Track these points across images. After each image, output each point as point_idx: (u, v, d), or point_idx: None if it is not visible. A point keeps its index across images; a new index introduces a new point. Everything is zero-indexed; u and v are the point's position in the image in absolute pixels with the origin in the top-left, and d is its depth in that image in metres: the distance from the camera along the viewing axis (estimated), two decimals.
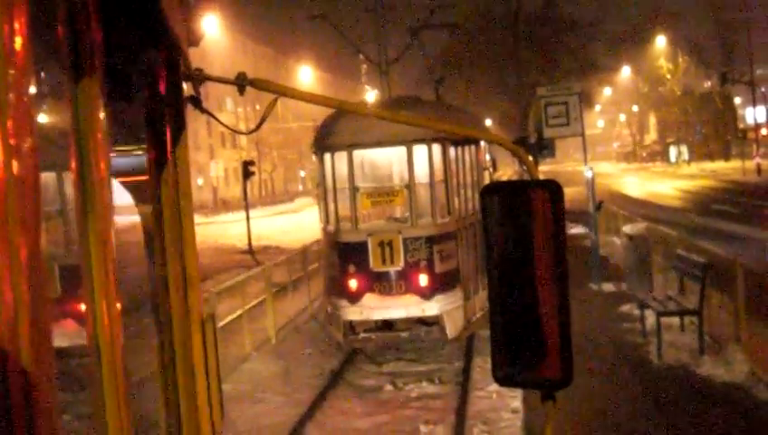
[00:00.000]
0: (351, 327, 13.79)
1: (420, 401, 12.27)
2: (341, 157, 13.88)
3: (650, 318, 13.56)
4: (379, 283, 13.36)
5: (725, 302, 12.59)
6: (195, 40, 2.54)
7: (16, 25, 1.04)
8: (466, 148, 15.03)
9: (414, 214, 13.63)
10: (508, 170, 61.83)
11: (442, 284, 13.42)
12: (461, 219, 14.28)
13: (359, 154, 14.11)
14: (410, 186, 13.60)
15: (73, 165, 1.42)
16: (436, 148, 13.76)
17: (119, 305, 1.55)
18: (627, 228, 18.81)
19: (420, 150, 13.69)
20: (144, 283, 2.20)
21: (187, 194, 2.28)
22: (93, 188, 1.45)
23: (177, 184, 2.25)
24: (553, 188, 2.27)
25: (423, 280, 13.27)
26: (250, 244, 33.50)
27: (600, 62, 59.76)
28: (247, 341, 15.46)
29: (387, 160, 15.31)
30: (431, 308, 13.32)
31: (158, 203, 2.22)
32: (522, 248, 2.31)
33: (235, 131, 4.78)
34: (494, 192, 2.45)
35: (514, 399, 11.30)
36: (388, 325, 13.86)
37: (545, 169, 69.93)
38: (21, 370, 0.98)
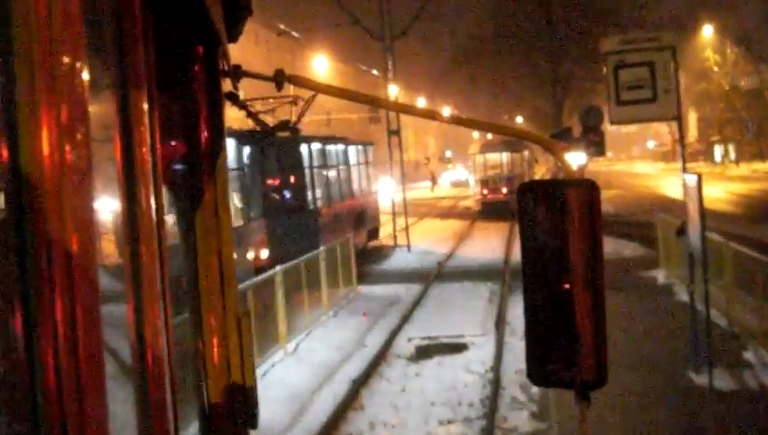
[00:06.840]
0: (484, 203, 44.85)
1: None
2: (481, 157, 47.00)
3: None
4: (493, 190, 44.74)
5: None
6: (234, 36, 2.57)
7: (70, 13, 1.05)
8: (522, 152, 46.79)
9: (504, 172, 45.60)
10: (547, 166, 59.50)
11: (511, 191, 40.95)
12: (518, 173, 44.80)
13: (488, 155, 46.85)
14: (502, 164, 46.02)
15: (118, 158, 1.39)
16: (512, 153, 46.14)
17: (165, 301, 1.52)
18: None
19: (505, 154, 46.05)
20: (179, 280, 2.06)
21: (224, 191, 2.28)
22: (138, 182, 1.42)
23: (215, 180, 2.25)
24: (590, 188, 2.23)
25: (504, 190, 43.74)
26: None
27: None
28: None
29: (496, 156, 46.26)
30: (507, 198, 41.88)
31: (194, 199, 2.23)
32: (557, 248, 2.25)
33: (273, 129, 3.51)
34: (529, 191, 2.37)
35: None
36: (493, 204, 43.86)
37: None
38: (74, 367, 0.99)
